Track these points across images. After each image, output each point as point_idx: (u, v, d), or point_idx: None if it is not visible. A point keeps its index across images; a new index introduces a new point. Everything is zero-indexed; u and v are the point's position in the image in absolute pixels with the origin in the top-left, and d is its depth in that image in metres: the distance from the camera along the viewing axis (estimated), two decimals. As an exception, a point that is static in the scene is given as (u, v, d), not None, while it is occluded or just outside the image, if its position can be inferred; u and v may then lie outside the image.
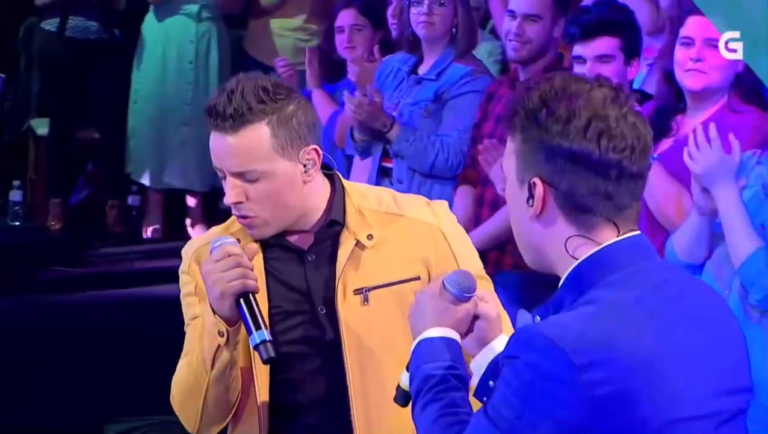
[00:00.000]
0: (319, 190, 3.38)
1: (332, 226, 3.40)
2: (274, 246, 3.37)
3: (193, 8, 10.07)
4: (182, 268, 3.63)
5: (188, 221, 10.36)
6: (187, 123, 10.01)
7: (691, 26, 5.52)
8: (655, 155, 5.05)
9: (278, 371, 3.50)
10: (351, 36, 7.98)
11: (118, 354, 7.68)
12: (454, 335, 2.66)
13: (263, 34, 10.17)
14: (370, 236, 3.45)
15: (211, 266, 3.22)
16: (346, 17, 8.09)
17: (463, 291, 2.69)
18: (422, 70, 6.97)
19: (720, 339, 2.36)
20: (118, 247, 10.67)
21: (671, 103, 5.80)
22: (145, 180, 10.38)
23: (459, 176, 6.82)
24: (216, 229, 3.71)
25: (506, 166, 2.48)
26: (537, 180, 2.28)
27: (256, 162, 3.23)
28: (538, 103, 2.26)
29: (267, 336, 3.09)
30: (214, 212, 10.22)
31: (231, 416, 3.58)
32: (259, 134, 3.23)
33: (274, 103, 3.22)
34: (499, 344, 2.70)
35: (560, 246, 2.39)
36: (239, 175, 3.27)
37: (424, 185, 6.85)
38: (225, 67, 10.04)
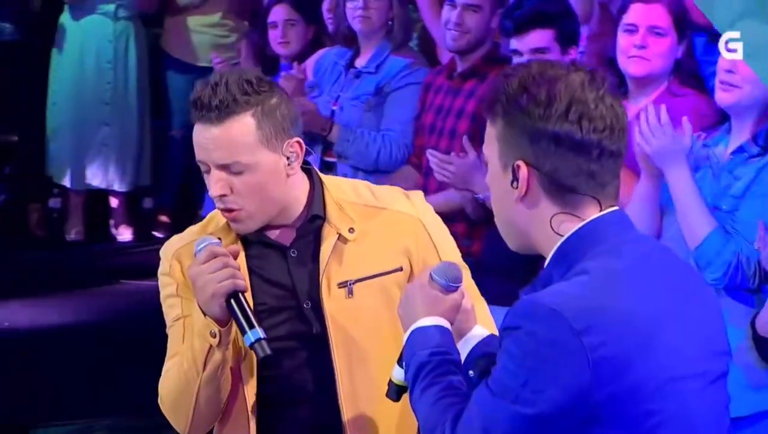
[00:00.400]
0: (300, 183, 3.46)
1: (314, 221, 3.47)
2: (256, 243, 3.42)
3: (110, 7, 10.00)
4: (162, 270, 3.62)
5: (111, 222, 10.34)
6: (107, 122, 10.00)
7: (634, 13, 5.60)
8: None
9: (265, 367, 3.47)
10: (285, 31, 8.04)
11: (44, 357, 7.61)
12: (445, 323, 2.75)
13: (180, 32, 10.20)
14: (351, 230, 3.51)
15: (198, 268, 3.25)
16: (279, 12, 8.14)
17: (450, 282, 2.79)
18: (360, 63, 7.07)
19: (701, 305, 2.53)
20: (42, 250, 10.55)
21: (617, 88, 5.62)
22: (66, 182, 10.28)
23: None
24: (194, 229, 3.74)
25: (487, 152, 2.56)
26: (521, 163, 2.39)
27: (242, 154, 3.29)
28: (519, 88, 2.36)
29: (261, 334, 3.12)
30: (136, 211, 10.65)
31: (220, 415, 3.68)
32: (245, 124, 3.31)
33: (258, 96, 3.28)
34: (474, 335, 2.83)
35: (545, 225, 2.50)
36: (224, 167, 3.32)
37: (369, 179, 5.82)
38: (143, 66, 10.05)
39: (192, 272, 3.29)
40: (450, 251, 3.62)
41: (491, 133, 2.52)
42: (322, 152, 7.00)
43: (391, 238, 3.56)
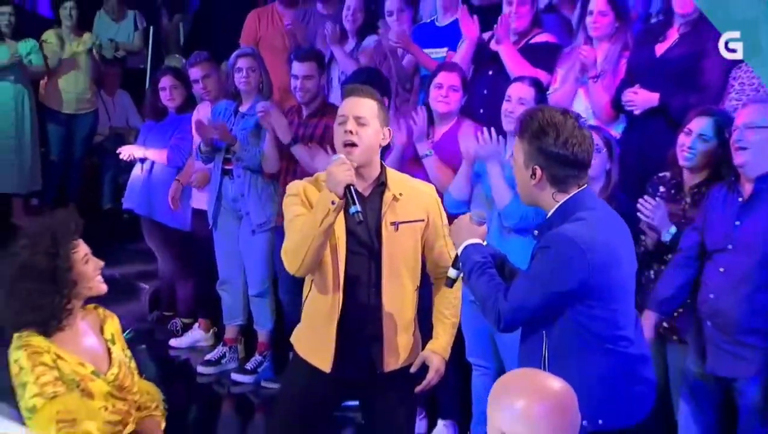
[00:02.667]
0: (378, 157, 4.94)
1: (380, 186, 4.91)
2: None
3: (10, 77, 10.86)
4: (293, 192, 5.03)
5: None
6: (13, 151, 10.98)
7: (440, 77, 7.03)
8: (429, 151, 7.12)
9: (349, 261, 4.97)
10: (171, 92, 9.16)
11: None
12: (483, 242, 4.38)
13: (54, 91, 11.41)
14: (400, 194, 4.94)
15: (334, 167, 4.62)
16: (166, 81, 9.25)
17: (481, 220, 4.45)
18: (243, 109, 8.47)
19: (630, 242, 4.38)
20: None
21: (428, 121, 7.45)
22: None
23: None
24: (308, 179, 5.24)
25: (517, 158, 4.27)
26: (537, 167, 4.07)
27: (368, 115, 4.85)
28: (538, 128, 4.06)
29: (359, 208, 4.54)
30: (28, 207, 11.76)
31: (316, 275, 4.99)
32: (373, 104, 4.90)
33: (379, 98, 5.04)
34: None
35: (548, 197, 4.21)
36: (357, 118, 4.83)
37: (254, 176, 8.33)
38: (33, 113, 11.07)
39: (330, 168, 4.65)
40: (444, 216, 5.23)
41: (519, 147, 4.22)
42: (223, 162, 8.42)
43: (420, 203, 5.05)
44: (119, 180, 11.55)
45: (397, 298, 5.01)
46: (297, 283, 5.99)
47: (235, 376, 8.06)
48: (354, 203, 4.55)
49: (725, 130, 5.77)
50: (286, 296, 7.99)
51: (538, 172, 4.15)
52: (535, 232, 4.57)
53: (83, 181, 12.01)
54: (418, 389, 5.17)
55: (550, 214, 4.31)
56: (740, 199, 5.49)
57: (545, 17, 8.24)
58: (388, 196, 4.84)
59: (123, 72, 12.13)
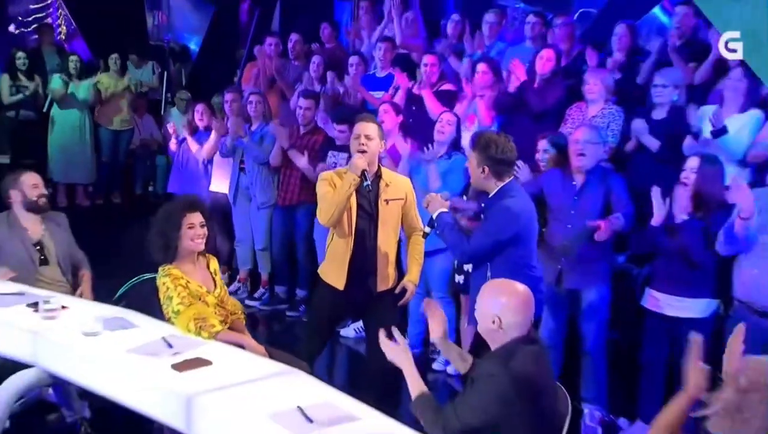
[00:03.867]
0: (377, 159, 5.61)
1: (378, 177, 5.60)
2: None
3: (77, 106, 11.41)
4: (325, 178, 5.70)
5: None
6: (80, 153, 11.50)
7: (358, 128, 6.06)
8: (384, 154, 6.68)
9: (356, 224, 5.65)
10: (202, 115, 9.48)
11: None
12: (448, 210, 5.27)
13: (105, 114, 11.81)
14: (390, 183, 5.68)
15: (356, 159, 5.44)
16: (199, 108, 9.61)
17: (446, 197, 5.45)
18: (253, 127, 8.80)
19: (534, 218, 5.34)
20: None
21: None
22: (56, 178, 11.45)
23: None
24: (335, 171, 5.80)
25: (471, 161, 5.22)
26: (485, 167, 5.05)
27: (372, 133, 5.57)
28: (486, 143, 5.08)
29: (369, 183, 5.44)
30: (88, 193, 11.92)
31: (337, 229, 5.58)
32: (375, 126, 5.62)
33: (378, 121, 5.88)
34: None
35: (492, 184, 5.14)
36: (366, 136, 5.55)
37: (259, 170, 8.69)
38: (91, 129, 11.61)
39: (353, 160, 5.48)
40: (415, 197, 5.92)
41: (473, 155, 5.21)
42: (240, 163, 8.82)
43: (401, 188, 5.81)
44: (146, 174, 12.18)
45: (386, 245, 5.74)
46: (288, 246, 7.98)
47: (247, 302, 8.66)
48: (366, 180, 5.44)
49: (563, 144, 6.57)
50: (278, 255, 8.74)
51: (486, 170, 5.15)
52: (483, 204, 5.53)
53: (123, 175, 12.27)
54: (400, 303, 5.91)
55: (492, 194, 5.29)
56: (574, 183, 6.22)
57: (447, 72, 8.74)
58: (382, 183, 5.61)
59: (147, 102, 12.53)
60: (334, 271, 5.62)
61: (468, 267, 6.45)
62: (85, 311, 5.34)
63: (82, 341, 4.90)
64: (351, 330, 7.67)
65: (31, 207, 6.14)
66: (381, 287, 5.68)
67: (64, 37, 12.48)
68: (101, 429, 5.92)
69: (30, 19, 12.82)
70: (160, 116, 11.44)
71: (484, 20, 9.07)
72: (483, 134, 5.36)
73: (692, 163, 5.75)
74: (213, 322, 5.11)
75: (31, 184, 6.19)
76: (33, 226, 6.22)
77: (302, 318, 8.24)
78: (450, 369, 6.93)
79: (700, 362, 3.53)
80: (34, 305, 5.25)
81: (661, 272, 5.94)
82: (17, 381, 5.00)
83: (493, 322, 3.89)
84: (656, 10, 9.70)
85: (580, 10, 9.68)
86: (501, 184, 5.16)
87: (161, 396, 4.36)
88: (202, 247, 5.22)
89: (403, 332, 6.13)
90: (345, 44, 10.52)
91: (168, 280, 5.06)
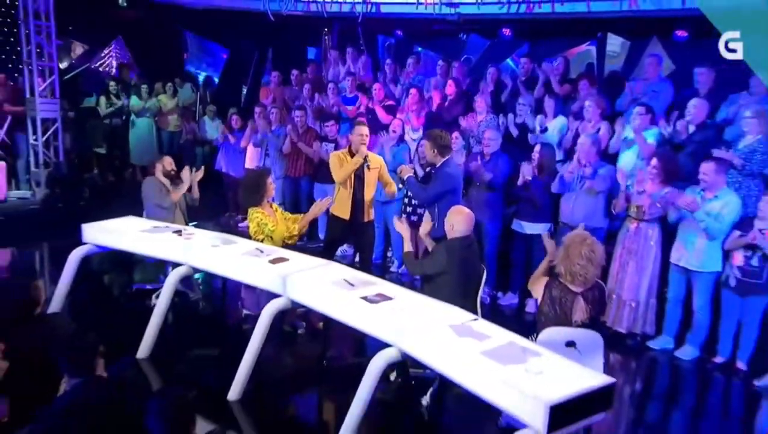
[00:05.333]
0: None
1: (365, 157, 5.81)
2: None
3: (146, 114, 11.23)
4: (338, 155, 6.01)
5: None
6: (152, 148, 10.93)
7: (361, 129, 6.02)
8: None
9: (353, 182, 5.90)
10: (236, 122, 9.39)
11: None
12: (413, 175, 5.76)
13: (164, 120, 11.37)
14: (371, 159, 5.93)
15: (362, 148, 5.77)
16: (234, 116, 9.50)
17: (411, 170, 5.84)
18: (273, 128, 8.62)
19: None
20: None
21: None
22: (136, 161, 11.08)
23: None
24: (341, 151, 6.14)
25: (426, 146, 5.62)
26: (435, 149, 5.47)
27: (367, 132, 5.91)
28: (435, 136, 5.52)
29: (368, 163, 5.78)
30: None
31: (344, 184, 5.86)
32: (367, 129, 5.98)
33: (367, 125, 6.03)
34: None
35: (438, 159, 5.52)
36: (365, 135, 5.90)
37: (276, 155, 8.51)
38: (154, 132, 11.43)
39: (360, 148, 5.79)
40: (386, 167, 6.16)
41: (428, 143, 5.57)
42: (265, 151, 8.69)
43: (377, 161, 6.03)
44: (190, 159, 10.92)
45: (368, 195, 6.07)
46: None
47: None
48: (366, 161, 5.90)
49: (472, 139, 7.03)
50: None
51: (435, 151, 5.61)
52: (432, 171, 5.86)
53: (176, 160, 11.39)
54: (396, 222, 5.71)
55: (438, 165, 5.68)
56: (485, 159, 6.57)
57: (388, 93, 8.80)
58: (368, 159, 5.98)
59: (189, 112, 11.89)
60: (341, 209, 5.96)
61: (420, 211, 6.70)
62: (204, 234, 5.92)
63: (211, 249, 5.47)
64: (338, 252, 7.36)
65: (167, 175, 6.66)
66: (366, 218, 6.06)
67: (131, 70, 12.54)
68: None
69: (104, 59, 12.93)
70: (196, 122, 11.16)
71: (407, 62, 9.21)
72: (433, 130, 5.77)
73: (536, 148, 6.60)
74: (293, 234, 5.54)
75: (167, 162, 6.75)
76: (168, 184, 6.66)
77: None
78: (401, 270, 7.23)
79: (549, 240, 4.67)
80: (178, 232, 5.84)
81: (522, 209, 6.52)
82: (176, 273, 5.45)
83: (452, 227, 4.82)
84: (509, 60, 9.91)
85: (465, 56, 9.73)
86: (443, 159, 5.64)
87: (267, 275, 4.93)
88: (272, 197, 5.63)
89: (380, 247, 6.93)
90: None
91: (260, 215, 5.49)
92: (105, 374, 3.30)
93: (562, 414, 3.15)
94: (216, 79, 13.21)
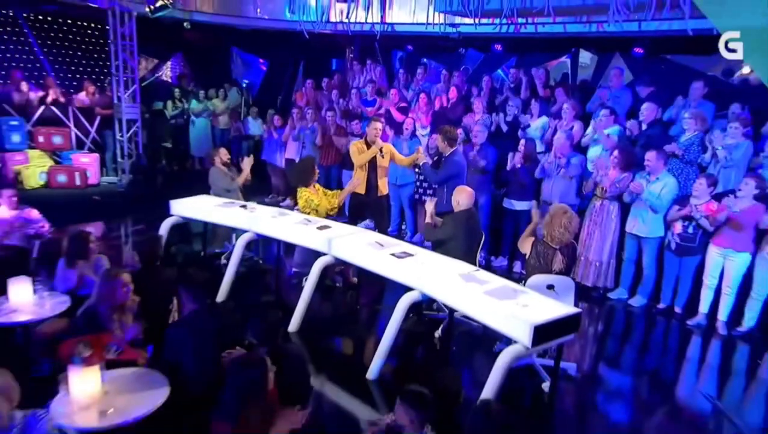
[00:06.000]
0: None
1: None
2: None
3: (204, 114, 11.31)
4: (357, 145, 5.88)
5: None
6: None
7: (377, 124, 6.14)
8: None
9: (368, 165, 5.87)
10: (277, 121, 9.21)
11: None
12: (427, 161, 5.69)
13: (217, 120, 11.29)
14: (383, 146, 5.88)
15: (378, 140, 5.67)
16: (276, 116, 9.26)
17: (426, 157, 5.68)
18: (308, 125, 8.50)
19: None
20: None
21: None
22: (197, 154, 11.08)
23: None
24: (360, 141, 6.03)
25: (438, 139, 5.57)
26: (445, 142, 5.45)
27: (381, 127, 5.75)
28: (446, 131, 5.52)
29: (382, 153, 5.65)
30: None
31: (362, 167, 5.83)
32: (381, 124, 5.83)
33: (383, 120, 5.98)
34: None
35: (448, 149, 5.47)
36: (380, 129, 5.80)
37: (310, 146, 8.39)
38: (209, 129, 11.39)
39: (377, 140, 5.66)
40: (395, 150, 6.07)
41: (439, 136, 5.59)
42: (302, 144, 8.46)
43: (387, 148, 5.95)
44: (237, 151, 10.46)
45: (381, 175, 6.15)
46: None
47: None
48: (381, 150, 5.97)
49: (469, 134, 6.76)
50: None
51: (445, 143, 5.66)
52: (442, 159, 5.76)
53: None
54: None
55: (447, 155, 5.71)
56: (476, 149, 6.62)
57: (402, 97, 8.68)
58: (383, 149, 6.03)
59: (235, 113, 11.56)
60: (360, 187, 6.10)
61: (429, 192, 6.81)
62: (263, 208, 6.10)
63: (271, 219, 5.68)
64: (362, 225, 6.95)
65: (224, 164, 6.78)
66: (379, 193, 6.21)
67: (189, 79, 12.61)
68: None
69: (167, 71, 13.02)
70: (241, 121, 11.07)
71: (417, 71, 9.27)
72: (444, 127, 5.87)
73: (521, 141, 6.73)
74: (334, 207, 5.73)
75: (224, 153, 6.86)
76: (229, 172, 6.74)
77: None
78: (413, 240, 7.08)
79: (536, 211, 5.01)
80: (243, 206, 6.09)
81: (511, 190, 6.59)
82: (243, 238, 5.59)
83: (458, 203, 5.17)
84: (500, 71, 9.82)
85: (464, 67, 9.56)
86: (451, 150, 5.79)
87: (316, 238, 5.17)
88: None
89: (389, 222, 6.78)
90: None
91: (307, 193, 5.73)
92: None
93: (542, 333, 3.55)
94: (257, 86, 13.23)
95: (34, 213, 5.52)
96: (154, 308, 4.01)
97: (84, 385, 3.09)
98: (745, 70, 6.99)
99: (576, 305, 4.20)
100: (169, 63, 13.07)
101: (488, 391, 3.26)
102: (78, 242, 4.54)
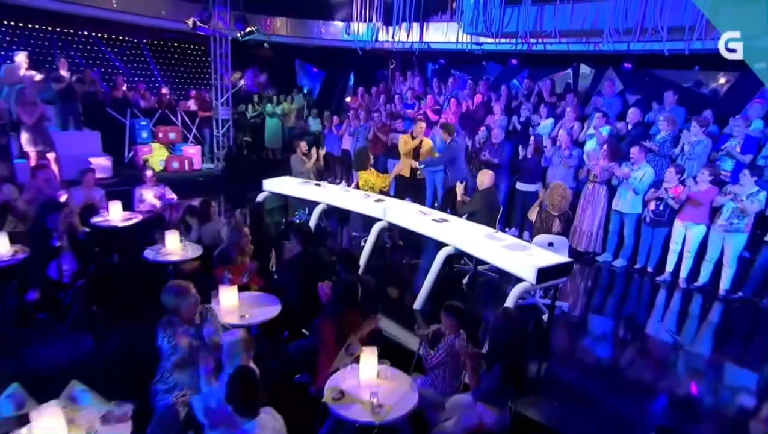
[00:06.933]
0: None
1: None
2: None
3: (275, 116, 11.43)
4: (404, 137, 5.82)
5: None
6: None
7: (420, 123, 6.40)
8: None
9: (413, 156, 5.86)
10: (335, 120, 9.18)
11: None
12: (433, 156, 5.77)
13: (287, 119, 11.45)
14: (421, 140, 5.62)
15: (420, 134, 5.42)
16: (335, 117, 9.13)
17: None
18: (361, 124, 8.57)
19: None
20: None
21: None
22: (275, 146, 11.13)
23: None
24: (404, 135, 5.91)
25: (443, 132, 5.64)
26: (446, 132, 5.60)
27: (423, 125, 5.52)
28: (445, 125, 5.67)
29: (422, 145, 5.74)
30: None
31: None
32: (424, 124, 5.54)
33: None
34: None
35: (448, 138, 5.54)
36: (422, 127, 5.64)
37: (366, 140, 8.23)
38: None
39: (420, 135, 5.48)
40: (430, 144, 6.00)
41: (442, 130, 5.83)
42: (357, 139, 8.38)
43: (426, 141, 5.74)
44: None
45: (415, 160, 6.15)
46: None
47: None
48: (421, 143, 5.99)
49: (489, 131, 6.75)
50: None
51: (446, 134, 5.94)
52: (448, 144, 5.92)
53: (291, 147, 9.98)
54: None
55: (448, 142, 5.96)
56: (494, 146, 6.55)
57: (435, 101, 8.82)
58: (423, 143, 6.06)
59: (299, 113, 11.79)
60: (405, 171, 6.47)
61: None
62: (332, 186, 6.44)
63: (340, 194, 6.06)
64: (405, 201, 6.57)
65: (303, 153, 7.26)
66: (419, 176, 6.56)
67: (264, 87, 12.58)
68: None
69: (244, 80, 13.16)
70: (304, 120, 11.32)
71: (448, 81, 9.42)
72: (444, 122, 6.42)
73: (532, 138, 7.00)
74: (386, 185, 6.03)
75: (303, 145, 7.32)
76: (305, 158, 7.16)
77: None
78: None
79: (543, 191, 5.10)
80: (317, 184, 6.55)
81: (523, 175, 6.74)
82: (318, 209, 5.97)
83: (482, 183, 5.34)
84: (515, 80, 9.69)
85: (486, 77, 9.48)
86: (450, 138, 6.11)
87: (374, 207, 5.54)
88: None
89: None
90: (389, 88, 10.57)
91: (366, 174, 6.19)
92: None
93: (544, 274, 4.08)
94: (316, 91, 13.36)
95: (167, 189, 6.18)
96: (262, 252, 4.71)
97: (229, 298, 3.89)
98: (721, 80, 7.21)
99: (571, 256, 4.56)
100: (247, 73, 13.58)
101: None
102: (205, 208, 5.34)
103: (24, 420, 2.09)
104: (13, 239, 4.30)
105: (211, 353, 2.67)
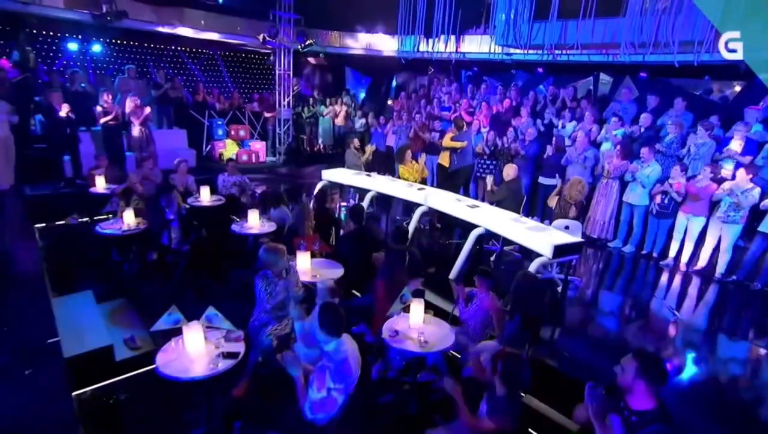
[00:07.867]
0: None
1: None
2: None
3: (324, 115, 11.53)
4: (447, 136, 5.86)
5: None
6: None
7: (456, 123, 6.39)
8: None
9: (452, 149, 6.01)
10: (377, 120, 9.10)
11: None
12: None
13: (337, 118, 11.57)
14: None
15: (461, 132, 5.63)
16: (381, 118, 9.16)
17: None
18: (401, 124, 8.56)
19: None
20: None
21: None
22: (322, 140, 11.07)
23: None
24: (450, 133, 5.87)
25: (453, 128, 6.04)
26: (456, 128, 5.99)
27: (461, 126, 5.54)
28: (455, 121, 5.95)
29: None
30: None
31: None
32: (464, 123, 5.57)
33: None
34: None
35: (457, 131, 5.77)
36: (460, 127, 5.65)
37: (406, 138, 8.22)
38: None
39: (459, 134, 5.49)
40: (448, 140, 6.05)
41: (453, 127, 6.15)
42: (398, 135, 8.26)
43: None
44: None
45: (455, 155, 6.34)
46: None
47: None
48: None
49: (516, 133, 6.85)
50: None
51: (456, 129, 5.98)
52: (494, 151, 6.26)
53: (343, 144, 10.63)
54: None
55: (457, 135, 5.96)
56: (525, 144, 6.61)
57: (469, 105, 8.75)
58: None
59: (347, 114, 11.50)
60: (445, 161, 6.67)
61: (487, 171, 6.97)
62: (380, 176, 6.73)
63: (387, 183, 6.32)
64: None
65: (356, 148, 7.63)
66: (456, 167, 6.70)
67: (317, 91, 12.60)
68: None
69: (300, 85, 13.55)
70: (351, 120, 11.22)
71: (481, 86, 9.51)
72: (455, 118, 6.52)
73: (554, 138, 7.09)
74: (424, 176, 6.33)
75: (356, 142, 7.72)
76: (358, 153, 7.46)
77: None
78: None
79: (560, 184, 5.43)
80: (368, 175, 6.84)
81: (544, 170, 6.86)
82: (369, 196, 6.23)
83: (507, 175, 5.57)
84: (541, 87, 9.54)
85: (515, 83, 9.43)
86: (459, 132, 6.48)
87: (416, 194, 5.85)
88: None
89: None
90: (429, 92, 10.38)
91: (403, 168, 6.51)
92: None
93: (559, 250, 4.39)
94: (362, 95, 13.34)
95: (245, 177, 6.63)
96: (324, 229, 5.22)
97: (303, 262, 4.40)
98: (729, 89, 7.19)
99: (582, 244, 4.69)
100: (301, 80, 13.97)
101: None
102: (277, 193, 5.88)
103: (178, 332, 2.58)
104: (137, 214, 4.97)
105: (296, 301, 3.11)
